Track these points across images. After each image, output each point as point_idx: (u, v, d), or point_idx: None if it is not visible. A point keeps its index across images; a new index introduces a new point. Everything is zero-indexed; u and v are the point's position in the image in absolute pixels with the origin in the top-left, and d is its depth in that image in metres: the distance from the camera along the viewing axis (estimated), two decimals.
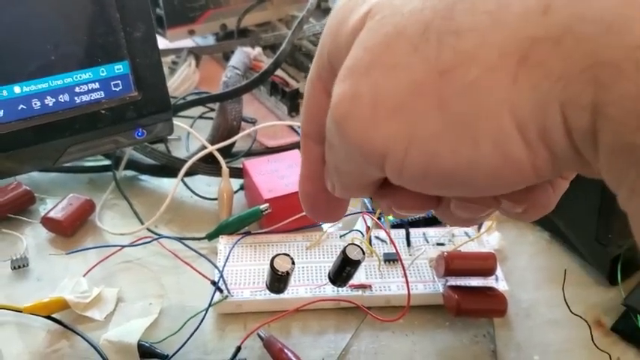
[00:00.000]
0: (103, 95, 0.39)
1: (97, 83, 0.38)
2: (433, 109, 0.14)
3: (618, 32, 0.12)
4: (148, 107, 0.40)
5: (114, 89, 0.39)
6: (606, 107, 0.12)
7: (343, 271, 0.39)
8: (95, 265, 0.44)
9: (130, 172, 0.55)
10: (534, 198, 0.18)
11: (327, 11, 0.69)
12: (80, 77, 0.38)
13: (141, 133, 0.40)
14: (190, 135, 0.54)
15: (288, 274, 0.37)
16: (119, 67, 0.38)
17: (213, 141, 0.51)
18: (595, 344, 0.38)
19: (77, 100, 0.38)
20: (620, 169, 0.13)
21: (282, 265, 0.37)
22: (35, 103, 0.37)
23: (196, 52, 0.68)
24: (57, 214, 0.47)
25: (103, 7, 0.37)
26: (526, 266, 0.45)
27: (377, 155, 0.15)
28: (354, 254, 0.38)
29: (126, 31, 0.37)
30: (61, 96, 0.37)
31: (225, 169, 0.49)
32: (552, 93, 0.13)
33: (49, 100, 0.37)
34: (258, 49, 0.60)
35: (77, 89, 0.38)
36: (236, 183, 0.52)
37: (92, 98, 0.38)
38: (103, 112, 0.39)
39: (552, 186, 0.19)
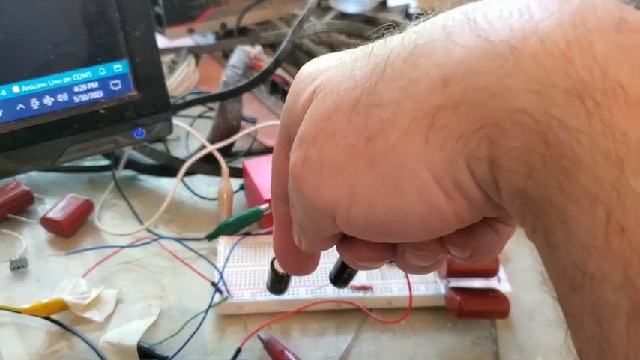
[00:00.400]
0: (102, 95, 0.38)
1: (96, 82, 0.38)
2: (366, 168, 0.17)
3: (501, 99, 0.14)
4: (148, 107, 0.40)
5: (113, 89, 0.38)
6: (498, 159, 0.15)
7: (344, 272, 0.38)
8: (94, 266, 0.44)
9: (129, 172, 0.54)
10: (477, 244, 0.20)
11: (327, 10, 0.69)
12: (79, 76, 0.37)
13: (140, 133, 0.40)
14: (190, 135, 0.54)
15: (288, 275, 0.37)
16: (118, 67, 0.38)
17: (212, 141, 0.50)
18: None
19: (76, 99, 0.38)
20: (519, 212, 0.15)
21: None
22: (34, 103, 0.37)
23: (196, 51, 0.68)
24: (56, 214, 0.47)
25: (103, 7, 0.36)
26: (529, 267, 0.45)
27: (328, 209, 0.18)
28: None
29: (125, 31, 0.37)
30: (60, 95, 0.37)
31: (225, 169, 0.48)
32: (456, 150, 0.15)
33: (48, 100, 0.37)
34: (258, 48, 0.60)
35: (76, 88, 0.37)
36: (236, 183, 0.51)
37: (91, 98, 0.38)
38: (102, 111, 0.38)
39: (496, 232, 0.21)
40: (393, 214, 0.17)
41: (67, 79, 0.37)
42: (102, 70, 0.38)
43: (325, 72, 0.19)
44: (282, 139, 0.22)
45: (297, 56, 0.65)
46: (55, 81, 0.37)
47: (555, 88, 0.14)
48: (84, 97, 0.38)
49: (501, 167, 0.15)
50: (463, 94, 0.15)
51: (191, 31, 0.70)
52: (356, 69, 0.18)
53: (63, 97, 0.37)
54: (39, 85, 0.36)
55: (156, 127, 0.41)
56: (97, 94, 0.38)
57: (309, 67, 0.21)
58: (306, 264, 0.26)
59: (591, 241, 0.13)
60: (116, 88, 0.38)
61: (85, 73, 0.37)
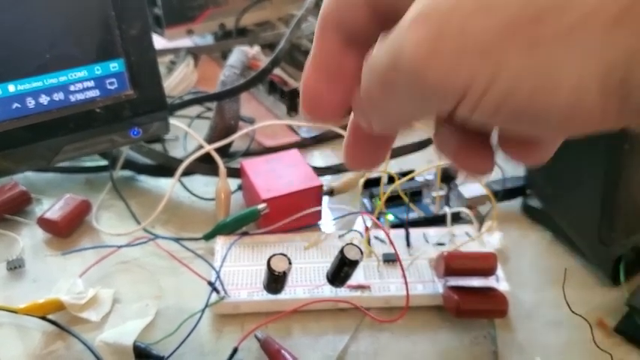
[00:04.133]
0: (98, 94, 0.38)
1: (92, 81, 0.38)
2: (522, 51, 0.14)
3: None
4: (144, 106, 0.39)
5: (109, 87, 0.38)
6: None
7: (341, 271, 0.38)
8: (91, 266, 0.44)
9: (127, 173, 0.54)
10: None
11: None
12: (75, 75, 0.37)
13: (136, 132, 0.40)
14: (188, 135, 0.54)
15: (285, 274, 0.37)
16: (114, 65, 0.38)
17: (210, 140, 0.50)
18: (596, 344, 0.38)
19: (72, 98, 0.37)
20: None
21: (279, 265, 0.37)
22: (29, 102, 0.36)
23: (195, 52, 0.68)
24: (53, 214, 0.47)
25: (98, 5, 0.36)
26: (528, 267, 0.45)
27: (456, 94, 0.15)
28: (351, 254, 0.37)
29: (121, 29, 0.37)
30: (56, 94, 0.37)
31: (222, 169, 0.48)
32: None
33: (44, 99, 0.37)
34: (256, 48, 0.60)
35: (72, 88, 0.37)
36: (234, 183, 0.51)
37: (87, 97, 0.38)
38: (98, 110, 0.38)
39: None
40: (533, 107, 0.15)
41: (62, 78, 0.37)
42: (98, 69, 0.38)
43: None
44: None
45: (296, 56, 0.65)
46: (51, 80, 0.37)
47: None
48: (80, 96, 0.38)
49: None
50: None
51: (190, 32, 0.70)
52: None
53: (59, 96, 0.37)
54: (34, 84, 0.36)
55: (152, 126, 0.41)
56: (93, 93, 0.38)
57: None
58: (335, 107, 0.21)
59: None
60: (112, 87, 0.38)
61: (80, 72, 0.37)
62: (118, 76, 0.38)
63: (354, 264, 0.37)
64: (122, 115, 0.39)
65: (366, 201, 0.50)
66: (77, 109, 0.38)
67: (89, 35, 0.37)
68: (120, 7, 0.36)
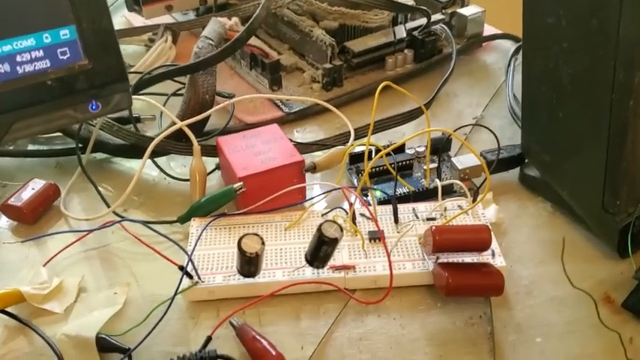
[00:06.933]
0: (48, 64, 0.35)
1: (41, 51, 0.34)
2: None
3: None
4: (101, 77, 0.36)
5: (61, 57, 0.35)
6: None
7: (320, 250, 0.35)
8: (57, 254, 0.41)
9: (101, 155, 0.51)
10: None
11: None
12: (21, 44, 0.34)
13: (95, 106, 0.37)
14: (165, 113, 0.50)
15: (257, 255, 0.34)
16: (65, 33, 0.35)
17: (183, 116, 0.47)
18: (601, 321, 0.35)
19: (19, 70, 0.34)
20: None
21: (250, 246, 0.34)
22: None
23: (173, 28, 0.64)
24: (17, 200, 0.44)
25: None
26: (527, 240, 0.41)
27: None
28: (330, 232, 0.34)
29: None
30: (1, 66, 0.34)
31: (196, 147, 0.45)
32: None
33: None
34: (234, 19, 0.56)
35: (19, 58, 0.34)
36: (213, 162, 0.48)
37: (37, 68, 0.35)
38: (49, 83, 0.35)
39: None
40: None
41: (7, 48, 0.34)
42: (47, 37, 0.34)
43: None
44: None
45: (279, 28, 0.62)
46: None
47: None
48: (28, 68, 0.34)
49: None
50: None
51: (169, 8, 0.66)
52: None
53: (4, 67, 0.34)
54: None
55: (113, 99, 0.37)
56: (43, 64, 0.35)
57: None
58: None
59: None
60: (64, 57, 0.35)
61: (27, 41, 0.34)
62: (69, 44, 0.35)
63: (333, 242, 0.34)
64: (77, 87, 0.36)
65: (353, 177, 0.46)
66: (26, 82, 0.34)
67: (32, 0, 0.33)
68: None
